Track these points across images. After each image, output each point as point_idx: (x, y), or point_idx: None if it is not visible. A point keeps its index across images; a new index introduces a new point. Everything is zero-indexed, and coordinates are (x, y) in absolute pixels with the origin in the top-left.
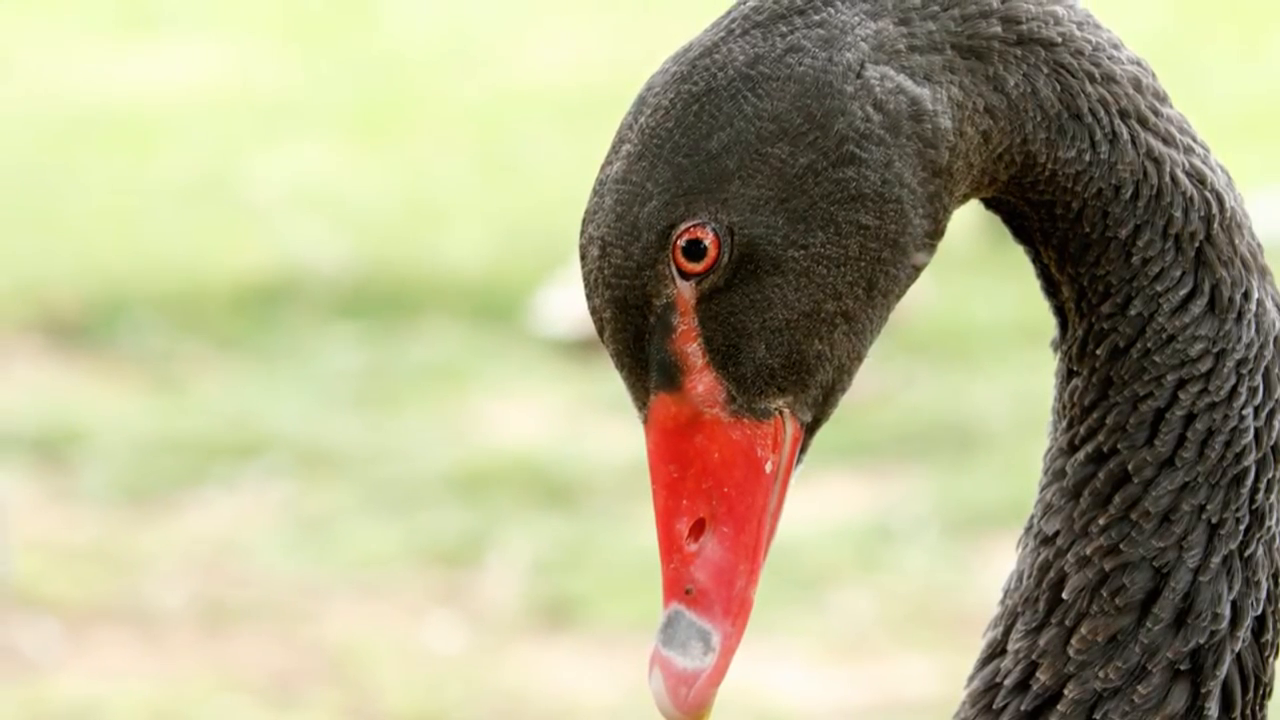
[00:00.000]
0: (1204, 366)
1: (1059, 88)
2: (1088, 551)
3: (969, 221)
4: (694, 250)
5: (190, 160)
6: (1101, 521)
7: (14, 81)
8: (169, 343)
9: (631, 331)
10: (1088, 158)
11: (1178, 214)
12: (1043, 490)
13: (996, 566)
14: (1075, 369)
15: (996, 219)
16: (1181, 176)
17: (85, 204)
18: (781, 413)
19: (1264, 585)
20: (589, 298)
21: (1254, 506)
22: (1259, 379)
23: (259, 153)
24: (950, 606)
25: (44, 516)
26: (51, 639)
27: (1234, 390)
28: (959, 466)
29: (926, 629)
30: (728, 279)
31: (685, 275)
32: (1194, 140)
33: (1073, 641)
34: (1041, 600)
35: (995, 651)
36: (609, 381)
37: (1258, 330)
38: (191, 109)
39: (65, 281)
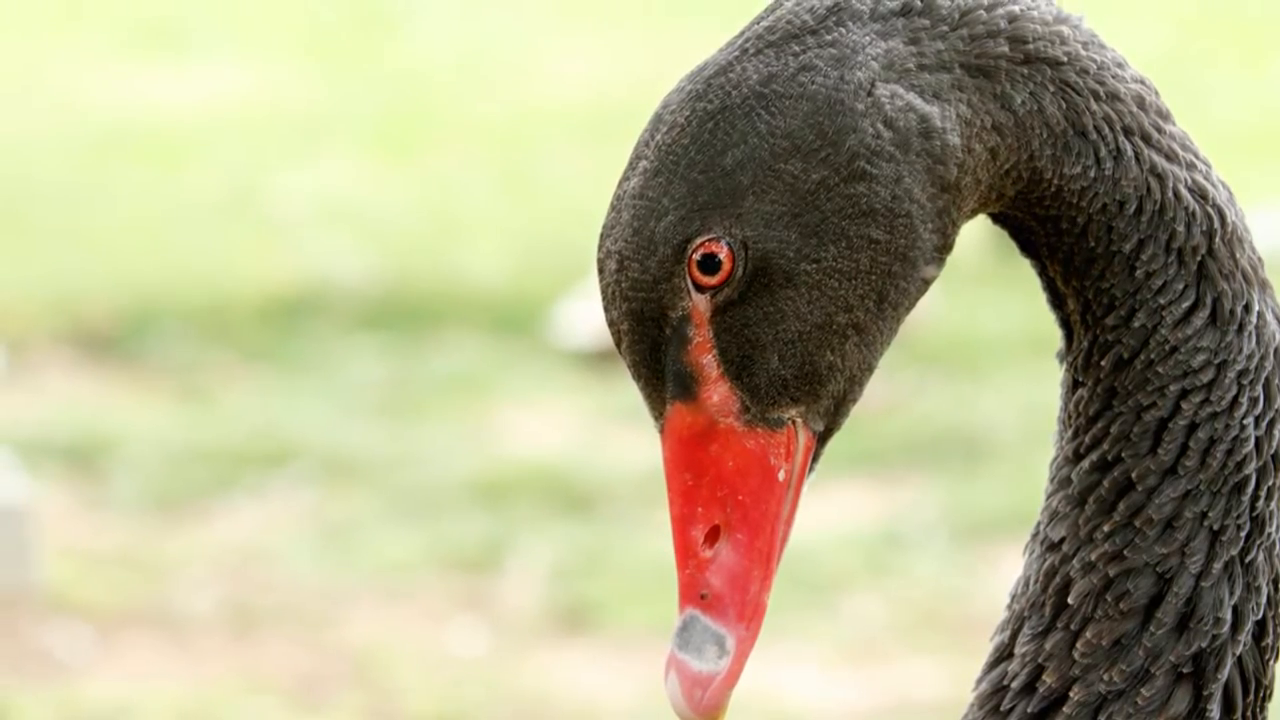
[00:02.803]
0: (1206, 377)
1: (1065, 105)
2: (1093, 557)
3: (977, 235)
4: (709, 264)
5: (218, 176)
6: (1106, 528)
7: (45, 99)
8: (197, 354)
9: (648, 343)
10: (1093, 174)
11: (1180, 228)
12: (1049, 498)
13: (1003, 572)
14: (1080, 379)
15: (1004, 233)
16: (1184, 192)
17: (115, 219)
18: (794, 422)
19: (1264, 590)
20: (607, 310)
21: (1255, 513)
22: (1259, 389)
23: (285, 168)
24: (958, 611)
25: (75, 524)
26: (83, 643)
27: (1235, 400)
28: (967, 475)
29: (935, 633)
30: (742, 292)
31: (700, 288)
32: (1196, 156)
33: (1078, 645)
34: (1048, 605)
35: (1002, 655)
36: (626, 392)
37: (1258, 342)
38: (219, 126)
39: (96, 294)
